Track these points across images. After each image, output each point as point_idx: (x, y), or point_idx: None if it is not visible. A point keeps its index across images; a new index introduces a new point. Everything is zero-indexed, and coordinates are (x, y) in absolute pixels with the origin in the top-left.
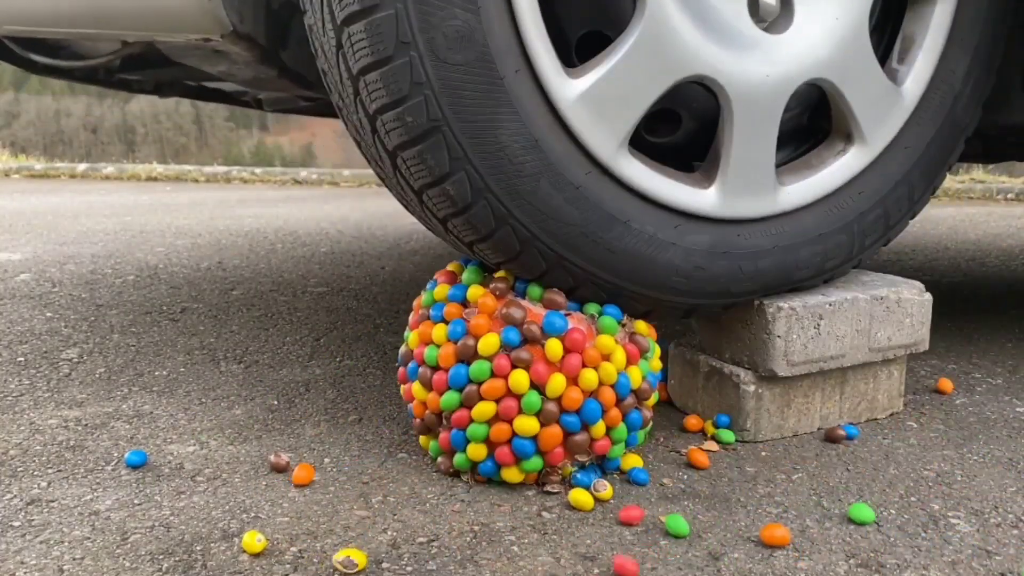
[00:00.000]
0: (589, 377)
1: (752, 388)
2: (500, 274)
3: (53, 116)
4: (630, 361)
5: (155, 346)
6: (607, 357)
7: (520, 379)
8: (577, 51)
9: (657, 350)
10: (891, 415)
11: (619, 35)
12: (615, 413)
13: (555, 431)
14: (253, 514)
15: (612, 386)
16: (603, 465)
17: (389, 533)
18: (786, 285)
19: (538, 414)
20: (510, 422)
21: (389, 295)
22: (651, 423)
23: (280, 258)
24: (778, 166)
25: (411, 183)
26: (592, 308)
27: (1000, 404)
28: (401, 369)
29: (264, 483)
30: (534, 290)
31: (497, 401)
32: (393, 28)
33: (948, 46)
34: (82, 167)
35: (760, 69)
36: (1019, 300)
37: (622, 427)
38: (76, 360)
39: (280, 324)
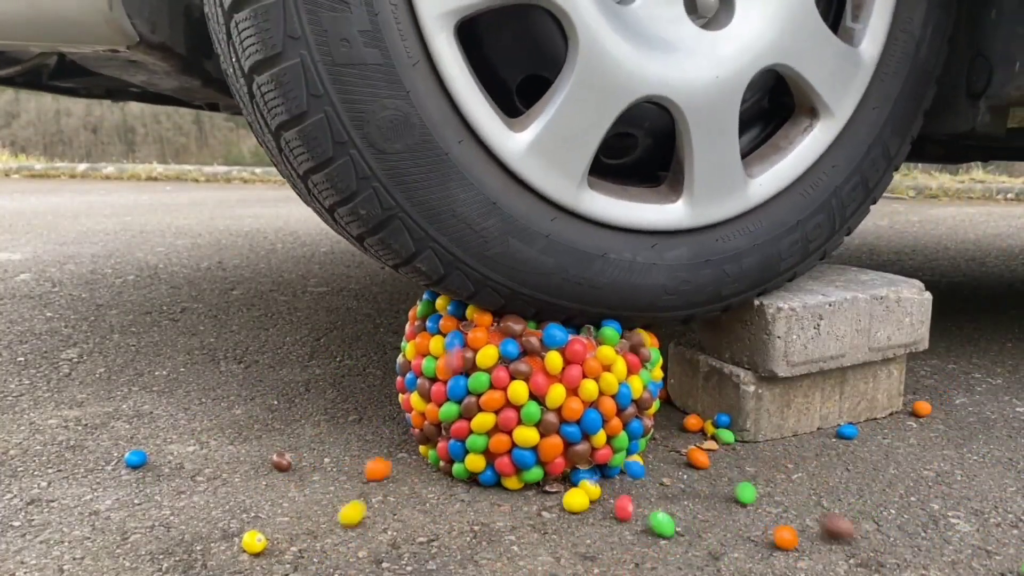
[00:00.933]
0: (589, 388)
1: (752, 388)
2: None
3: (53, 116)
4: (631, 371)
5: (155, 346)
6: (608, 368)
7: (519, 390)
8: (520, 94)
9: (659, 359)
10: (891, 414)
11: (557, 75)
12: (616, 423)
13: (555, 442)
14: (253, 514)
15: (613, 396)
16: (604, 472)
17: (389, 533)
18: (776, 276)
19: (537, 425)
20: (509, 433)
21: (389, 295)
22: (652, 430)
23: (280, 258)
24: (745, 154)
25: (385, 262)
26: None
27: (1000, 404)
28: (399, 379)
29: (264, 483)
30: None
31: (496, 412)
32: (326, 130)
33: None
34: (82, 167)
35: (708, 72)
36: (1019, 300)
37: (623, 436)
38: (76, 360)
39: (280, 324)
